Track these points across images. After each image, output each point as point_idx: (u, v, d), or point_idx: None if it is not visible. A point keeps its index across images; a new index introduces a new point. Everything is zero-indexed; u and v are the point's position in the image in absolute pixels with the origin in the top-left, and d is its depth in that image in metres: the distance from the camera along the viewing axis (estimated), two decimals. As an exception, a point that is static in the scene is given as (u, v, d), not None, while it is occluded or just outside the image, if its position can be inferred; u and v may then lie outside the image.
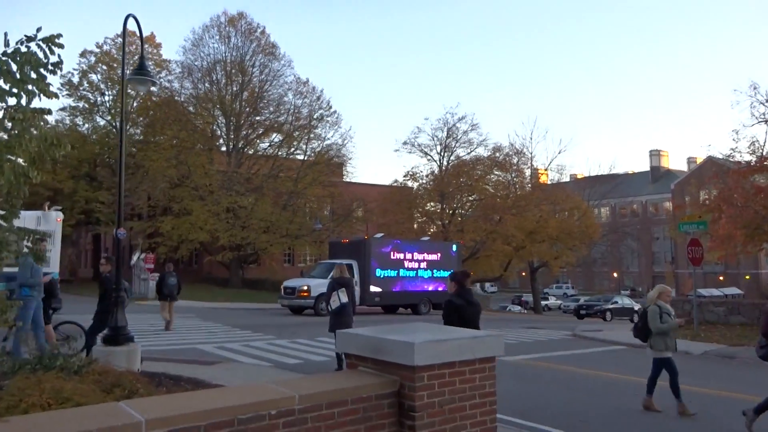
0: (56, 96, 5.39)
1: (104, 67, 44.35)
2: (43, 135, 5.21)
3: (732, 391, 9.74)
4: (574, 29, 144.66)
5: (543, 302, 57.29)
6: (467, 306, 7.01)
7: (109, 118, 45.21)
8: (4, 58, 4.97)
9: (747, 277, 70.78)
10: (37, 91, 5.12)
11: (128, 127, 45.32)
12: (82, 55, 43.92)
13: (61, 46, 5.19)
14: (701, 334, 17.00)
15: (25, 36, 5.11)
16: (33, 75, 5.09)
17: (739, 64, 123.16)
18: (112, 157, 41.63)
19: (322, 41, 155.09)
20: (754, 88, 22.44)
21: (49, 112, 5.29)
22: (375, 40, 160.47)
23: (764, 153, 18.92)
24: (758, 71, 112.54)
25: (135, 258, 33.84)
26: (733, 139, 23.52)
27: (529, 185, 43.13)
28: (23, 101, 5.06)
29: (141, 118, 44.65)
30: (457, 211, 41.34)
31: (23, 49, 5.04)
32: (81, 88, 44.05)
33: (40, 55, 5.11)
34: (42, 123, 5.26)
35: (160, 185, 38.64)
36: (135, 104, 45.06)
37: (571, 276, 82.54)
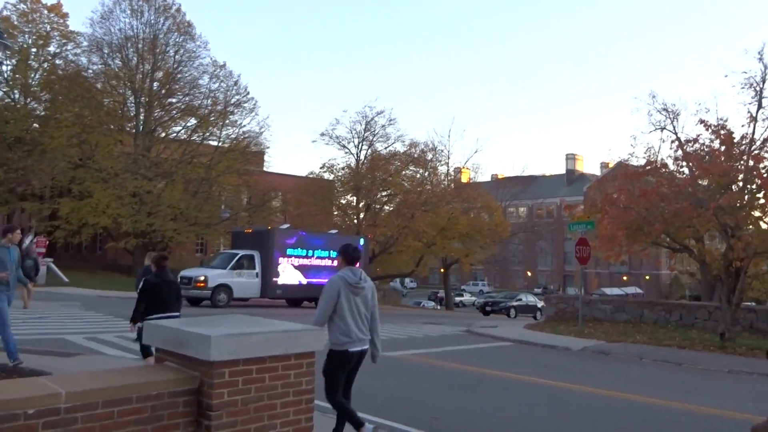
0: None
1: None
2: None
3: (586, 385, 9.92)
4: (492, 31, 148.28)
5: (458, 299, 58.36)
6: (162, 284, 7.84)
7: (6, 89, 42.07)
8: None
9: (647, 277, 74.79)
10: None
11: (29, 101, 42.45)
12: (-23, 21, 40.60)
13: None
14: (585, 331, 17.52)
15: None
16: None
17: (643, 73, 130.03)
18: (5, 131, 38.75)
19: (240, 27, 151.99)
20: (653, 97, 23.51)
21: None
22: (295, 29, 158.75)
23: (658, 158, 19.81)
24: (658, 81, 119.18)
25: (27, 241, 31.73)
26: (631, 145, 24.71)
27: (445, 182, 43.58)
28: None
29: (43, 93, 41.83)
30: (371, 206, 41.23)
31: None
32: (-26, 57, 40.76)
33: None
34: None
35: (60, 164, 36.32)
36: (36, 76, 42.23)
37: (488, 273, 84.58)
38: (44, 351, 10.34)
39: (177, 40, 40.17)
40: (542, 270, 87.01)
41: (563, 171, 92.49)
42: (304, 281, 26.04)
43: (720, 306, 15.96)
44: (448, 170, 44.84)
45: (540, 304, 34.55)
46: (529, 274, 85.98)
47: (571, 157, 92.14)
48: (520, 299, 36.62)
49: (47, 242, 31.66)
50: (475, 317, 31.02)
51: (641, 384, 10.66)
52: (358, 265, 5.92)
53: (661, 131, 21.81)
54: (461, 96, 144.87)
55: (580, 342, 15.81)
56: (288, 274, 25.32)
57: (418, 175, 41.51)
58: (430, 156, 41.77)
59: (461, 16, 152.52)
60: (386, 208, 42.10)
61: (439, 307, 49.20)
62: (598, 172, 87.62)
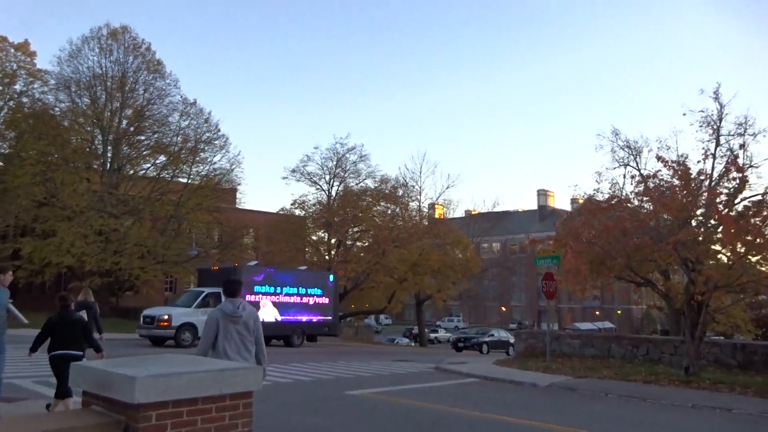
0: None
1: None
2: None
3: (549, 422, 9.77)
4: (463, 68, 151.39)
5: (433, 335, 57.95)
6: (62, 323, 7.95)
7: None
8: None
9: (619, 312, 75.36)
10: None
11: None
12: (-58, 59, 40.14)
13: None
14: (553, 366, 17.42)
15: None
16: None
17: (606, 109, 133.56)
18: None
19: (211, 64, 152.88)
20: (616, 134, 23.96)
21: None
22: (266, 66, 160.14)
23: (623, 194, 20.11)
24: (621, 118, 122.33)
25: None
26: (596, 180, 25.08)
27: (417, 218, 43.70)
28: None
29: (8, 131, 41.22)
30: (342, 242, 41.06)
31: None
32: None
33: None
34: None
35: (23, 203, 35.58)
36: (2, 114, 41.67)
37: (463, 309, 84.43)
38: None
39: (147, 78, 40.22)
40: (516, 305, 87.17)
41: (535, 207, 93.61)
42: (275, 318, 25.61)
43: (684, 340, 16.02)
44: (419, 206, 45.11)
45: (512, 339, 34.44)
46: (504, 309, 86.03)
47: (542, 193, 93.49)
48: (493, 335, 36.47)
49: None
50: (447, 353, 30.75)
51: (605, 420, 10.57)
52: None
53: (625, 167, 22.24)
54: (433, 132, 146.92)
55: (547, 378, 15.68)
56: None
57: (390, 211, 41.60)
58: (401, 192, 42.04)
59: (432, 53, 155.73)
60: (358, 244, 41.98)
61: (413, 344, 48.75)
62: (569, 207, 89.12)
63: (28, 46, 42.98)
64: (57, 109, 39.92)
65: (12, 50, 42.31)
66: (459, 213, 60.99)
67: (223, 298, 6.32)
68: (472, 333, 38.54)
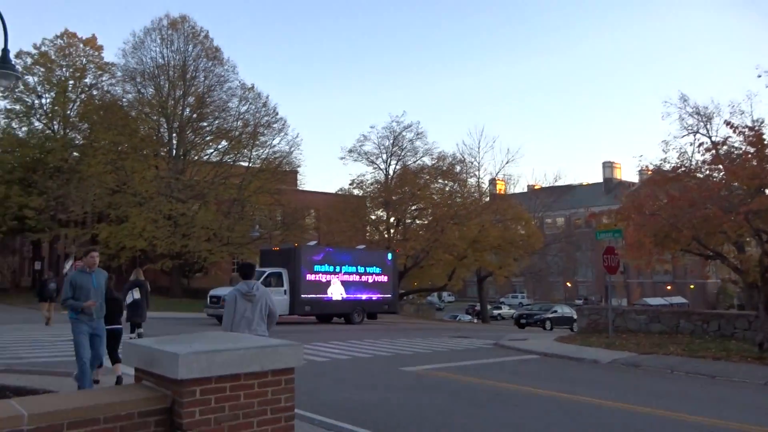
0: None
1: (42, 69, 42.86)
2: None
3: (609, 400, 9.53)
4: (519, 40, 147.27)
5: (496, 312, 57.60)
6: (107, 300, 8.60)
7: (46, 121, 43.72)
8: None
9: (692, 286, 72.39)
10: None
11: (67, 132, 43.93)
12: (18, 56, 42.29)
13: None
14: (616, 342, 16.96)
15: None
16: None
17: (674, 76, 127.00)
18: (47, 161, 40.19)
19: (266, 47, 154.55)
20: (684, 101, 22.78)
21: None
22: (321, 46, 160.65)
23: (692, 163, 19.18)
24: (689, 84, 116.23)
25: (67, 266, 32.75)
26: (663, 150, 23.83)
27: (475, 194, 43.18)
28: None
29: (81, 123, 43.27)
30: (401, 220, 41.11)
31: None
32: (17, 90, 42.44)
33: None
34: None
35: (96, 191, 37.37)
36: (75, 107, 43.76)
37: (527, 286, 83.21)
38: (64, 372, 10.51)
39: (206, 65, 41.16)
40: (582, 281, 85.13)
41: (601, 180, 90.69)
42: (341, 296, 26.08)
43: (758, 315, 15.24)
44: (478, 182, 44.46)
45: (576, 315, 33.75)
46: (569, 285, 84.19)
47: (608, 165, 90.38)
48: (556, 311, 35.81)
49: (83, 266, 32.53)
50: (509, 330, 30.49)
51: (669, 398, 10.20)
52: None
53: (694, 135, 21.14)
54: (491, 107, 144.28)
55: (609, 354, 15.30)
56: (315, 290, 25.37)
57: (448, 188, 41.26)
58: (459, 168, 41.56)
59: (489, 26, 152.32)
60: (417, 222, 41.94)
61: (475, 321, 48.57)
62: (636, 179, 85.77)
63: (96, 40, 44.85)
64: (125, 99, 41.60)
65: (81, 45, 44.25)
66: (520, 188, 59.95)
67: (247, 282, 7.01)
68: (535, 309, 37.99)
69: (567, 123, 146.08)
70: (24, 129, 44.04)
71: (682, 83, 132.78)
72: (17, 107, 43.13)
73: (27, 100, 43.19)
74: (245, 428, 3.76)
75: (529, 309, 39.74)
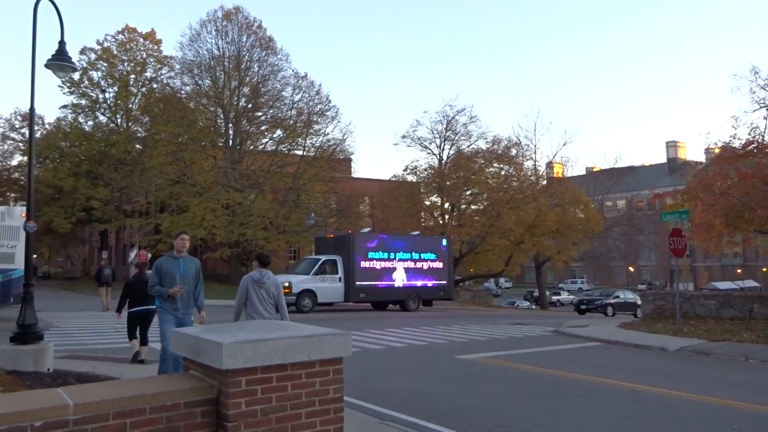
0: None
1: (105, 65, 44.42)
2: None
3: (678, 390, 9.02)
4: (574, 18, 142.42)
5: (555, 297, 56.45)
6: (138, 284, 9.65)
7: (109, 114, 45.35)
8: None
9: (765, 269, 68.87)
10: None
11: (130, 125, 45.46)
12: (82, 52, 44.04)
13: None
14: (684, 329, 16.18)
15: None
16: None
17: (742, 48, 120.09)
18: (111, 153, 41.75)
19: (317, 35, 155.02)
20: (755, 73, 21.38)
21: None
22: (371, 32, 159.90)
23: (763, 139, 18.01)
24: (758, 55, 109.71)
25: (132, 255, 33.93)
26: (733, 126, 22.48)
27: (532, 178, 42.21)
28: None
29: (143, 116, 44.67)
30: (456, 205, 40.64)
31: None
32: (82, 86, 44.17)
33: None
34: None
35: (157, 182, 38.53)
36: (136, 100, 45.18)
37: (587, 271, 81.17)
38: (125, 359, 10.79)
39: (260, 55, 41.68)
40: (645, 265, 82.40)
41: (664, 160, 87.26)
42: (402, 282, 26.03)
43: (842, 298, 14.19)
44: (534, 165, 43.40)
45: (640, 301, 32.59)
46: (631, 269, 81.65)
47: (672, 145, 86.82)
48: (618, 296, 34.69)
49: (148, 255, 33.61)
50: (568, 316, 29.74)
51: (744, 388, 9.58)
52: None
53: (767, 109, 19.85)
54: (547, 88, 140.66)
55: (677, 341, 14.59)
56: (370, 277, 25.35)
57: (503, 172, 40.51)
58: (514, 152, 40.71)
59: (542, 5, 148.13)
60: (472, 207, 41.39)
61: (533, 307, 47.74)
62: (703, 158, 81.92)
63: (155, 34, 46.15)
64: (183, 92, 42.66)
65: (141, 40, 45.62)
66: (578, 170, 58.25)
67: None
68: (595, 295, 36.95)
69: (627, 102, 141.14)
70: (90, 123, 45.98)
71: (753, 55, 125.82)
72: (83, 102, 45.00)
73: (92, 94, 44.95)
74: (293, 420, 3.66)
75: (590, 294, 38.71)
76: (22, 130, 46.00)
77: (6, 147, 45.88)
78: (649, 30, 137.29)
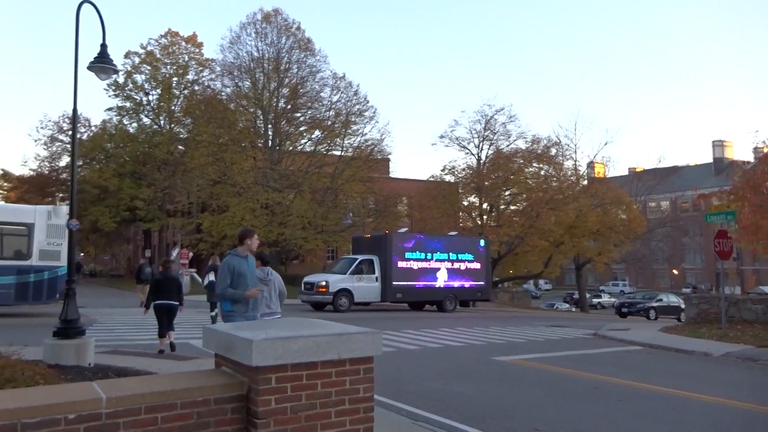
0: None
1: (148, 68, 45.55)
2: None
3: (722, 397, 8.72)
4: (614, 15, 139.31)
5: (595, 300, 55.39)
6: (164, 280, 10.80)
7: (153, 116, 46.46)
8: None
9: (818, 273, 66.13)
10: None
11: (173, 126, 46.50)
12: (127, 56, 45.26)
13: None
14: (730, 334, 15.67)
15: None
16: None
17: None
18: (154, 154, 42.79)
19: (354, 35, 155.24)
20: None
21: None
22: (408, 33, 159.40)
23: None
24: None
25: (174, 254, 34.66)
26: (785, 123, 21.54)
27: (572, 178, 41.50)
28: None
29: (185, 118, 45.63)
30: (494, 206, 40.26)
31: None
32: (126, 89, 45.39)
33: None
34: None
35: (198, 182, 39.27)
36: (178, 102, 46.18)
37: (629, 273, 79.36)
38: (165, 355, 11.01)
39: (299, 56, 42.08)
40: (690, 268, 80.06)
41: (710, 159, 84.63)
42: (426, 284, 25.94)
43: None
44: (575, 165, 42.65)
45: (683, 304, 31.71)
46: (675, 272, 79.44)
47: (718, 144, 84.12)
48: (661, 299, 33.83)
49: (190, 254, 34.31)
50: (609, 319, 29.14)
51: (794, 396, 9.23)
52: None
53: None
54: (587, 87, 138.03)
55: (722, 346, 14.13)
56: (407, 277, 25.32)
57: (543, 172, 39.96)
58: (554, 151, 40.10)
59: (578, 2, 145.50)
60: (510, 207, 40.97)
61: (573, 310, 46.93)
62: (751, 158, 79.23)
63: (196, 37, 47.13)
64: (223, 93, 43.40)
65: (183, 43, 46.65)
66: (620, 171, 57.00)
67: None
68: (637, 298, 36.12)
69: (672, 100, 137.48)
70: (134, 125, 47.24)
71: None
72: (128, 104, 46.23)
73: (136, 97, 46.16)
74: (322, 418, 3.67)
75: (632, 297, 37.86)
76: (70, 133, 47.57)
77: (55, 149, 47.52)
78: (696, 26, 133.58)
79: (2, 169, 51.20)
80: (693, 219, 72.07)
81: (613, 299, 56.02)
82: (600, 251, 39.42)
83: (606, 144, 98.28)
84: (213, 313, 15.38)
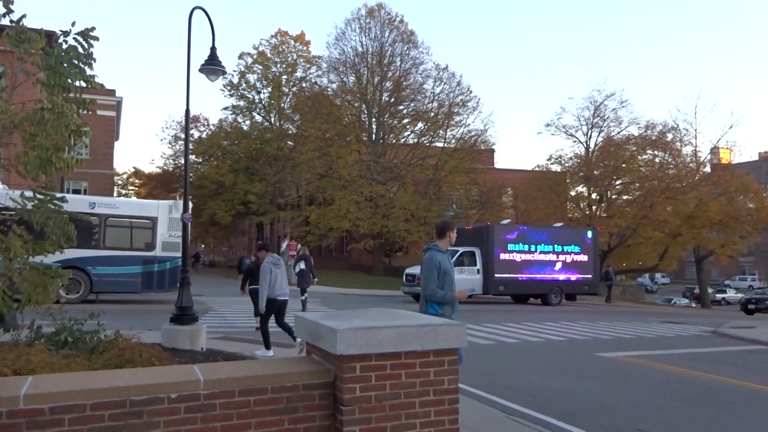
0: (101, 86, 5.54)
1: (260, 67, 47.71)
2: (65, 123, 5.34)
3: None
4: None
5: (719, 295, 51.62)
6: (256, 268, 11.82)
7: (264, 114, 48.66)
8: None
9: None
10: (82, 83, 5.41)
11: (282, 123, 48.47)
12: (240, 57, 47.67)
13: (95, 38, 5.37)
14: None
15: (61, 31, 5.35)
16: (67, 67, 5.36)
17: None
18: (265, 150, 44.85)
19: (456, 23, 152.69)
20: None
21: (84, 102, 5.52)
22: (511, 19, 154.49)
23: None
24: None
25: (283, 246, 36.19)
26: None
27: (692, 164, 38.72)
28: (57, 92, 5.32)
29: (293, 114, 47.38)
30: (604, 196, 38.46)
31: (63, 44, 5.33)
32: (240, 88, 47.85)
33: (80, 49, 5.39)
34: (75, 114, 5.42)
35: (306, 176, 40.65)
36: (288, 99, 48.02)
37: (758, 266, 73.03)
38: (274, 342, 11.54)
39: (402, 49, 42.37)
40: (834, 262, 72.30)
41: None
42: (530, 276, 25.36)
43: None
44: (695, 151, 39.77)
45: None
46: (815, 266, 72.06)
47: None
48: (794, 296, 30.96)
49: (298, 246, 35.63)
50: (732, 316, 27.08)
51: None
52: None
53: None
54: (708, 66, 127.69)
55: None
56: (510, 269, 24.86)
57: (658, 159, 37.62)
58: (670, 137, 37.56)
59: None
60: (622, 197, 38.99)
61: (693, 305, 43.95)
62: None
63: (304, 36, 48.74)
64: (329, 89, 44.62)
65: (292, 42, 48.43)
66: (749, 156, 52.49)
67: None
68: (767, 293, 33.22)
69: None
70: (247, 122, 49.71)
71: None
72: (241, 103, 48.74)
73: (249, 96, 48.55)
74: (406, 408, 3.72)
75: (761, 293, 34.93)
76: (192, 132, 50.97)
77: (178, 147, 50.93)
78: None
79: (134, 168, 55.84)
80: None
81: (739, 295, 51.81)
82: (723, 243, 36.50)
83: (731, 127, 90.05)
84: (303, 297, 17.43)
